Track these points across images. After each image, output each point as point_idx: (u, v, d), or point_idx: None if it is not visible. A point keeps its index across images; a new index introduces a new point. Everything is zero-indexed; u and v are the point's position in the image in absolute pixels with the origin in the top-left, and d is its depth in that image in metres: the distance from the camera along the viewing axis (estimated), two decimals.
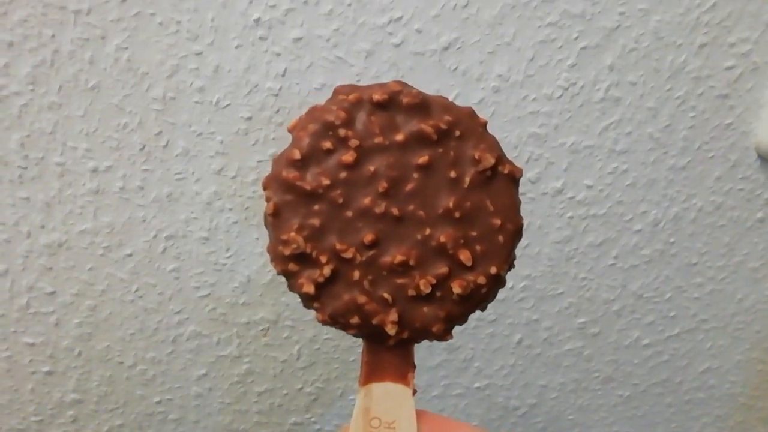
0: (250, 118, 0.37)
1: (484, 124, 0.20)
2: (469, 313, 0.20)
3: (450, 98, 0.37)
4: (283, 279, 0.25)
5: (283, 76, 0.36)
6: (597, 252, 0.43)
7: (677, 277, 0.45)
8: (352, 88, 0.20)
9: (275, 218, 0.19)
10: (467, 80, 0.37)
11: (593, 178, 0.40)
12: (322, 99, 0.36)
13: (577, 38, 0.36)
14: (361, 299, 0.19)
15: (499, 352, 0.47)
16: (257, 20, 0.35)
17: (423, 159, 0.19)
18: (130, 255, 0.41)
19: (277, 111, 0.37)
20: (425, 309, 0.19)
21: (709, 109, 0.39)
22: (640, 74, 0.37)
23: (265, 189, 0.19)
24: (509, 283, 0.44)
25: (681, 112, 0.39)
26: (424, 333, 0.20)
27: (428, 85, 0.37)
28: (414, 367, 0.20)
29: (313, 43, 0.35)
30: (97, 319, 0.43)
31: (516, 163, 0.20)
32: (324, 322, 0.20)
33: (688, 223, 0.43)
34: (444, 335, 0.20)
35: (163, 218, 0.40)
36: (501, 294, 0.44)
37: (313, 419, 0.49)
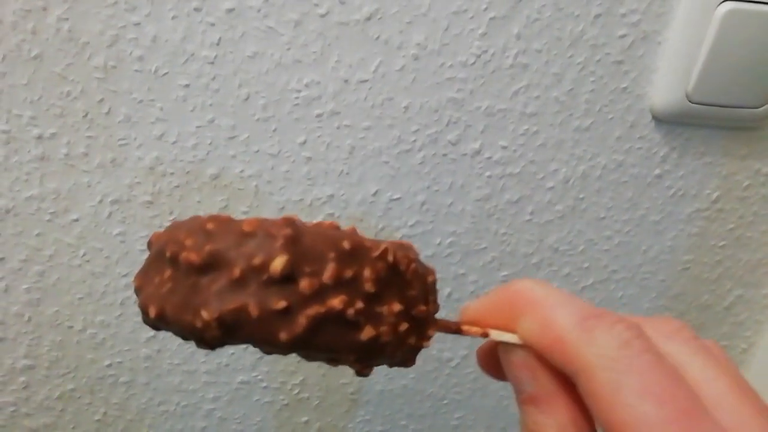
0: (188, 86, 0.40)
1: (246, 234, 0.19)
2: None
3: (373, 66, 0.41)
4: None
5: (218, 45, 0.39)
6: (514, 209, 0.48)
7: (588, 230, 0.50)
8: None
9: None
10: (389, 49, 0.40)
11: (507, 139, 0.44)
12: (255, 67, 0.39)
13: (486, 9, 0.40)
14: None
15: None
16: None
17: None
18: (76, 220, 0.43)
19: (213, 78, 0.39)
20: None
21: (607, 74, 0.43)
22: (544, 42, 0.42)
23: None
24: (436, 240, 0.48)
25: (582, 77, 0.43)
26: None
27: (353, 54, 0.40)
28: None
29: (245, 13, 0.38)
30: (45, 285, 0.45)
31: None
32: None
33: (595, 180, 0.47)
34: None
35: (108, 183, 0.42)
36: (429, 251, 0.48)
37: (259, 377, 0.52)
